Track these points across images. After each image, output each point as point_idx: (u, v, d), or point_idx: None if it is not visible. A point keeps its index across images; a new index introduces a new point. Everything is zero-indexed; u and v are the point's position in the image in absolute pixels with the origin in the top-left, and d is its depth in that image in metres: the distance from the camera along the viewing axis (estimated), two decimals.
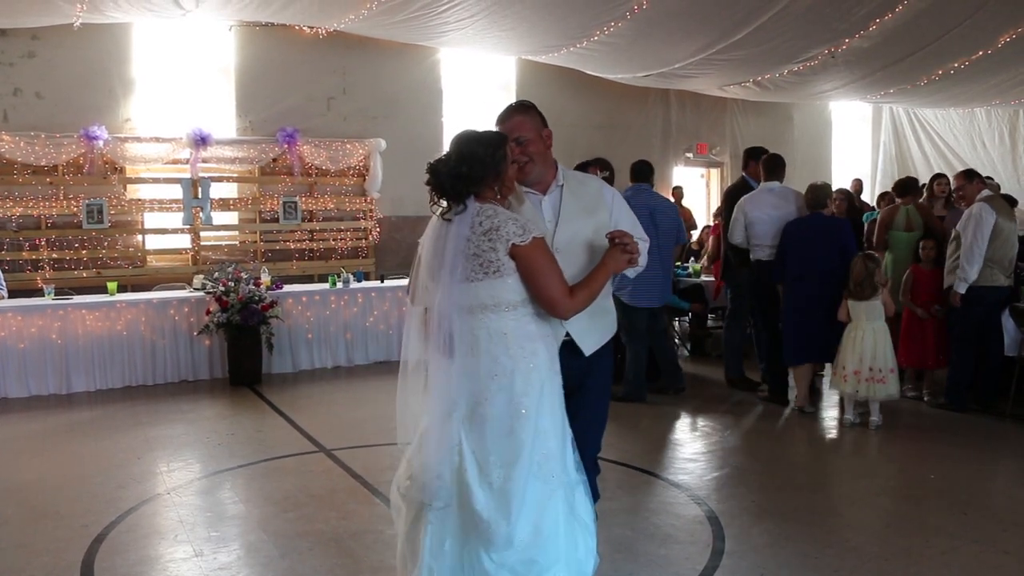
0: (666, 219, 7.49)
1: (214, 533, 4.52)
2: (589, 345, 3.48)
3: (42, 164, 9.70)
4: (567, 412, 3.29)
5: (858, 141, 17.25)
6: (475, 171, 3.01)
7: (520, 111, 3.45)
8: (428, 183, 3.06)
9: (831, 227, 7.05)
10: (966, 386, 7.12)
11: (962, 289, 6.86)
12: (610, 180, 7.46)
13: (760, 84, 12.21)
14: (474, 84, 12.66)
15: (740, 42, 9.83)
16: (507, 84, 12.80)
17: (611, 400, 6.40)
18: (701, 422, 6.99)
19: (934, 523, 4.64)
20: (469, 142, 3.06)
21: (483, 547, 2.94)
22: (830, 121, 16.58)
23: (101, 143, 9.86)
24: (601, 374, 3.62)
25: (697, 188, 15.11)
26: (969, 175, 7.36)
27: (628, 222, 3.57)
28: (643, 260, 3.49)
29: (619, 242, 3.20)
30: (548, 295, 3.01)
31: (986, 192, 7.21)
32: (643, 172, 7.66)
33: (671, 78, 11.91)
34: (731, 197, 7.91)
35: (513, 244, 2.94)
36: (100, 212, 9.88)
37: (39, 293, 8.73)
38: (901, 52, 10.70)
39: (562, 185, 3.50)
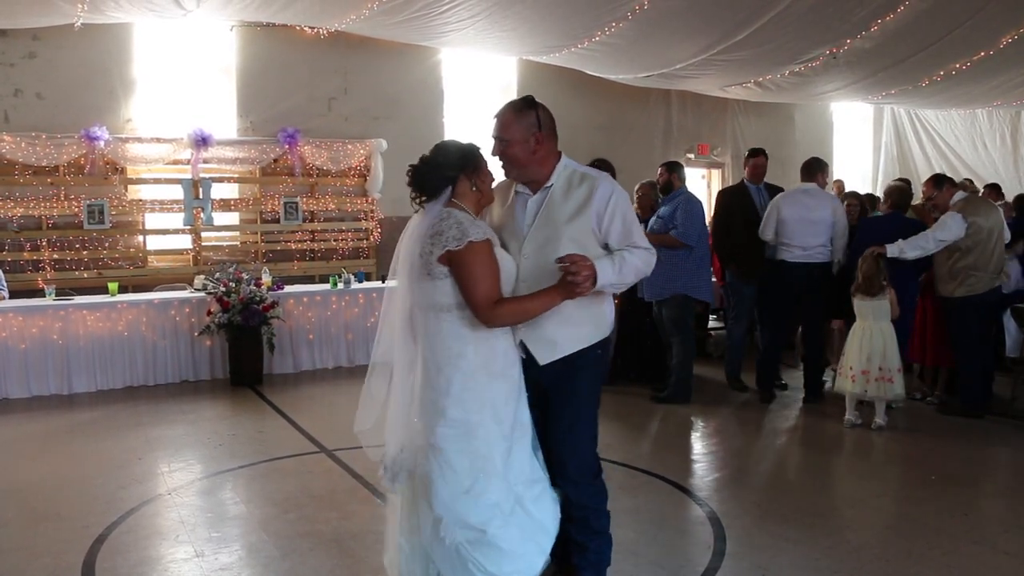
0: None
1: (215, 534, 4.52)
2: (543, 354, 3.31)
3: (43, 165, 9.68)
4: (548, 417, 3.40)
5: (859, 142, 17.23)
6: (447, 159, 3.18)
7: (510, 111, 3.38)
8: (408, 181, 3.23)
9: (910, 228, 7.11)
10: (980, 390, 7.00)
11: (892, 252, 6.72)
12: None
13: (761, 85, 12.20)
14: (475, 85, 12.65)
15: (741, 43, 9.81)
16: (508, 85, 12.79)
17: (660, 402, 6.88)
18: (702, 423, 6.98)
19: (935, 524, 4.63)
20: (447, 141, 3.31)
21: (430, 523, 3.14)
22: (831, 122, 16.55)
23: (102, 143, 9.85)
24: (571, 381, 3.37)
25: (698, 189, 15.09)
26: (937, 182, 7.21)
27: (619, 231, 3.35)
28: (630, 271, 3.30)
29: (565, 270, 3.10)
30: (471, 300, 3.08)
31: (959, 195, 7.07)
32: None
33: (672, 79, 11.90)
34: (722, 197, 8.27)
35: (448, 250, 3.05)
36: (101, 213, 9.87)
37: (40, 294, 8.72)
38: (902, 53, 10.68)
39: (551, 186, 3.38)
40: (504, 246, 3.33)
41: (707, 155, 14.72)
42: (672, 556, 4.24)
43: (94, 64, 10.14)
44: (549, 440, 3.41)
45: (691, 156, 14.43)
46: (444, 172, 3.17)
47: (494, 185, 3.41)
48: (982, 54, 10.95)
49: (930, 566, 4.09)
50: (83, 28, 9.53)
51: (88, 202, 9.87)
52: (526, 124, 3.33)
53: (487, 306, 3.06)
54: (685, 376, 7.52)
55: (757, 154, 8.00)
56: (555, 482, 3.39)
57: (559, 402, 3.39)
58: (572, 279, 3.08)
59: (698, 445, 6.51)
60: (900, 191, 7.50)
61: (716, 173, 15.28)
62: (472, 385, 3.12)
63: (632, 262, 3.30)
